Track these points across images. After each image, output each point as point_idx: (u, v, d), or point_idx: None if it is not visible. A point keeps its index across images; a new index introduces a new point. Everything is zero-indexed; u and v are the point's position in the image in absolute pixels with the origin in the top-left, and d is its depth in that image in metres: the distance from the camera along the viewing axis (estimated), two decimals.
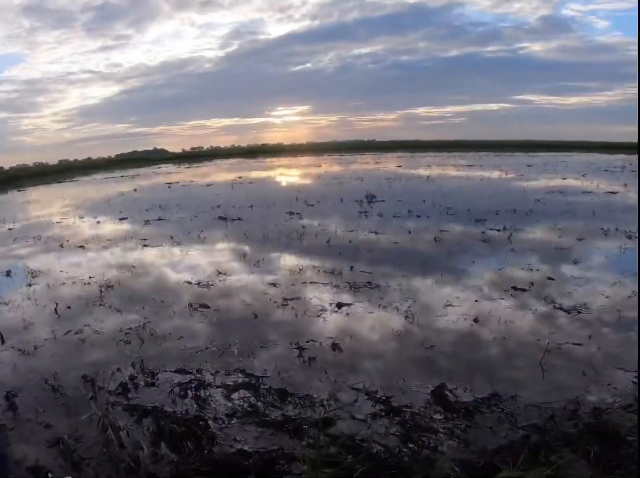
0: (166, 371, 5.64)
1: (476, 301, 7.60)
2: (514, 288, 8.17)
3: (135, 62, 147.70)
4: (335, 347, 6.05)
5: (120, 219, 17.22)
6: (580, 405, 4.68)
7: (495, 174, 28.81)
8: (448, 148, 75.04)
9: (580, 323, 6.68)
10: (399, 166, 37.93)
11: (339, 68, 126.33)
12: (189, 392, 5.18)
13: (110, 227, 15.96)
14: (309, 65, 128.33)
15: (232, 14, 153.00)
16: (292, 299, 7.84)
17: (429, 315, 7.02)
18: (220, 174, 38.27)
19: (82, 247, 12.91)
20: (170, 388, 5.26)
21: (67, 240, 13.76)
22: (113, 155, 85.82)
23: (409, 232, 12.75)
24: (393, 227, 13.50)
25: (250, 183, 28.16)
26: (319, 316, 7.12)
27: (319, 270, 9.42)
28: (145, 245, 12.58)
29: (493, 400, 4.85)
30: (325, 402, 4.84)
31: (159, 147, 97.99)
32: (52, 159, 75.60)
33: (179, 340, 6.50)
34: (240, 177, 32.01)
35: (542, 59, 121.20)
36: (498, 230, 12.70)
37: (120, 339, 6.64)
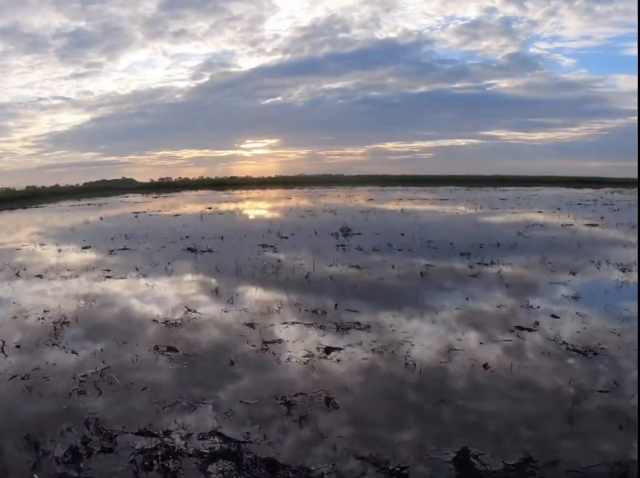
0: (127, 433, 4.62)
1: (481, 343, 6.79)
2: (519, 327, 7.40)
3: (107, 90, 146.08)
4: (329, 402, 5.12)
5: (84, 248, 16.07)
6: (629, 468, 3.91)
7: (470, 208, 28.40)
8: (417, 182, 75.36)
9: (599, 366, 5.97)
10: (371, 199, 37.43)
11: (309, 102, 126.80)
12: (154, 461, 4.18)
13: (72, 256, 14.79)
14: (279, 98, 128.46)
15: (205, 45, 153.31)
16: (272, 342, 6.89)
17: (432, 362, 6.16)
18: (188, 204, 37.19)
19: (39, 276, 11.78)
20: (131, 457, 4.24)
21: (24, 269, 12.60)
22: (81, 183, 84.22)
23: (393, 267, 11.94)
24: (375, 262, 12.69)
25: (220, 214, 27.23)
26: (305, 363, 6.18)
27: (300, 309, 8.49)
28: (108, 277, 11.49)
29: (528, 467, 4.00)
30: (326, 476, 3.89)
31: (127, 177, 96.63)
32: (20, 184, 73.59)
33: (143, 391, 5.49)
34: (209, 208, 31.04)
35: (509, 96, 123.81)
36: (486, 264, 12.03)
37: (73, 388, 5.59)
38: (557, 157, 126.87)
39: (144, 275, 11.46)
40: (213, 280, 10.94)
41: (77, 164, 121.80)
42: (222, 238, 17.39)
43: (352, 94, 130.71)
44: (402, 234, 17.34)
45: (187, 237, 17.85)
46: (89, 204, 40.11)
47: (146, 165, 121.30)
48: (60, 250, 15.80)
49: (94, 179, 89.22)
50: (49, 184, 78.75)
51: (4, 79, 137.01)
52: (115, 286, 10.61)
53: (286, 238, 17.08)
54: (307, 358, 6.28)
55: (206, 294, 9.74)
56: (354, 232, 17.92)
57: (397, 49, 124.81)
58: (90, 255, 14.70)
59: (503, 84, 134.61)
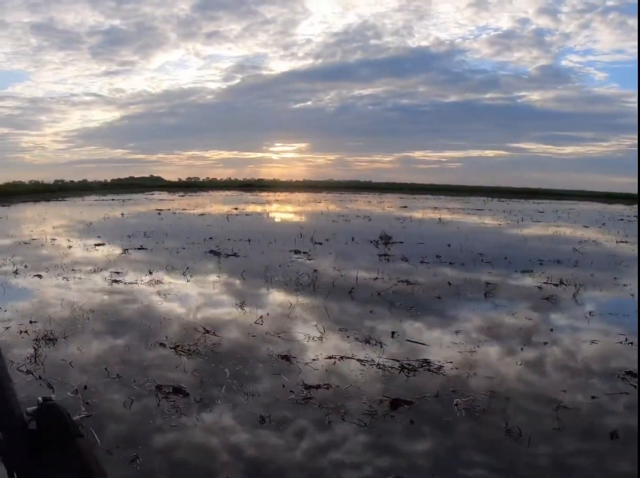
0: None
1: (593, 398, 4.85)
2: (629, 373, 5.45)
3: (138, 88, 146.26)
4: None
5: (96, 245, 14.36)
6: None
7: (510, 220, 26.26)
8: (446, 192, 73.28)
9: None
10: (404, 207, 35.43)
11: (339, 108, 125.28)
12: None
13: (81, 253, 13.11)
14: (309, 103, 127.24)
15: (237, 47, 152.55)
16: (316, 388, 4.98)
17: (544, 429, 4.20)
18: (215, 204, 35.54)
19: (39, 276, 10.08)
20: None
21: (25, 266, 10.98)
22: (109, 180, 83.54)
23: (449, 284, 9.97)
24: (426, 276, 10.75)
25: (247, 215, 25.48)
26: (365, 425, 4.27)
27: (348, 336, 6.59)
28: (115, 281, 9.70)
29: None
30: None
31: (155, 175, 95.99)
32: (48, 178, 73.12)
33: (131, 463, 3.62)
34: (236, 209, 29.34)
35: (540, 108, 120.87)
36: (556, 285, 10.15)
37: None
38: (586, 171, 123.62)
39: (157, 282, 9.63)
40: (238, 292, 9.10)
41: (106, 160, 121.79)
42: (249, 241, 15.58)
43: (382, 100, 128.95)
44: (449, 245, 15.38)
45: (210, 238, 16.05)
46: (112, 199, 38.75)
47: (175, 164, 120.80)
48: (70, 246, 14.16)
49: (122, 175, 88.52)
50: (77, 178, 78.40)
51: (38, 74, 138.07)
52: (120, 294, 8.79)
53: (320, 244, 15.20)
54: (368, 418, 4.36)
55: (229, 310, 7.88)
56: (395, 240, 15.97)
57: (429, 57, 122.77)
58: (100, 254, 12.97)
59: (534, 96, 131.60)
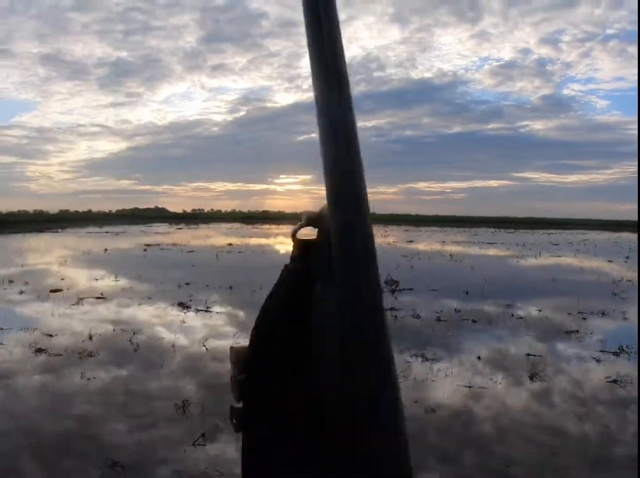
0: None
1: None
2: None
3: (144, 120, 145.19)
4: None
5: (52, 291, 11.78)
6: None
7: (526, 255, 23.39)
8: (451, 223, 70.69)
9: None
10: (410, 241, 32.59)
11: None
12: None
13: (28, 308, 10.36)
14: (313, 135, 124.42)
15: (242, 80, 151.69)
16: None
17: None
18: (212, 238, 32.81)
19: None
20: None
21: None
22: (114, 210, 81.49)
23: (479, 358, 7.15)
24: (446, 346, 7.89)
25: (240, 252, 22.69)
26: None
27: None
28: (39, 350, 6.91)
29: None
30: None
31: (160, 206, 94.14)
32: (54, 207, 71.35)
33: None
34: (230, 244, 26.64)
35: (543, 137, 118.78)
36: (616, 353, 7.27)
37: None
38: (589, 199, 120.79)
39: (82, 354, 6.82)
40: (198, 371, 6.29)
41: (112, 190, 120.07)
42: (230, 288, 12.83)
43: (386, 132, 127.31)
44: (467, 293, 12.57)
45: (187, 283, 13.33)
46: (106, 232, 36.14)
47: (180, 196, 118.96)
48: (22, 292, 11.48)
49: (127, 206, 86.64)
50: (82, 208, 76.54)
51: (46, 104, 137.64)
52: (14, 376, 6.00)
53: None
54: None
55: (172, 418, 5.07)
56: (403, 286, 13.15)
57: (432, 89, 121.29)
58: (48, 306, 10.23)
59: (537, 126, 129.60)
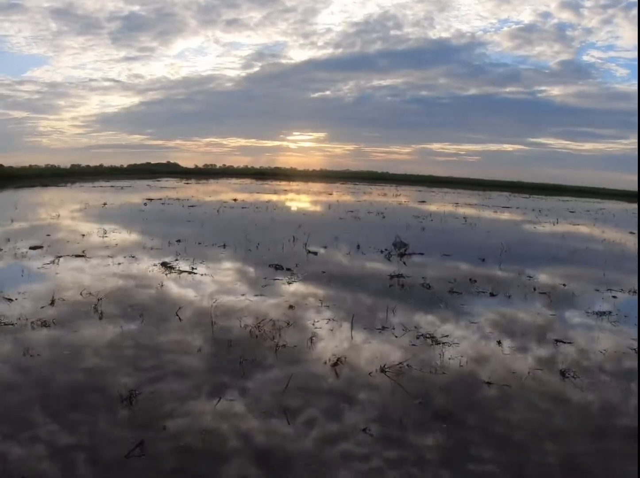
0: None
1: None
2: None
3: (157, 74, 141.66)
4: None
5: (32, 248, 10.59)
6: None
7: (543, 221, 21.92)
8: (464, 185, 68.85)
9: None
10: (422, 201, 31.12)
11: (357, 98, 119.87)
12: None
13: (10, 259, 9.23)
14: (328, 92, 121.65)
15: (257, 35, 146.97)
16: None
17: None
18: (218, 193, 31.52)
19: None
20: None
21: None
22: (125, 165, 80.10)
23: (499, 343, 5.89)
24: (465, 327, 6.64)
25: (243, 208, 21.40)
26: None
27: None
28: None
29: None
30: None
31: (172, 161, 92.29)
32: (66, 162, 69.98)
33: None
34: (235, 200, 25.32)
35: (560, 103, 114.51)
36: None
37: None
38: (605, 168, 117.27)
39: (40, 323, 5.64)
40: (140, 361, 5.10)
41: (124, 145, 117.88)
42: (224, 246, 11.62)
43: (401, 92, 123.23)
44: (483, 260, 11.28)
45: (178, 241, 12.12)
46: (112, 186, 34.92)
47: (192, 151, 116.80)
48: None
49: (139, 161, 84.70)
50: (94, 163, 75.15)
51: (57, 58, 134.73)
52: None
53: (315, 254, 11.19)
54: None
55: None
56: (413, 250, 11.87)
57: (449, 50, 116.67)
58: (28, 262, 9.07)
59: (554, 91, 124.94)
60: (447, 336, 6.06)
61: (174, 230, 13.99)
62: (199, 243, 11.93)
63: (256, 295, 7.59)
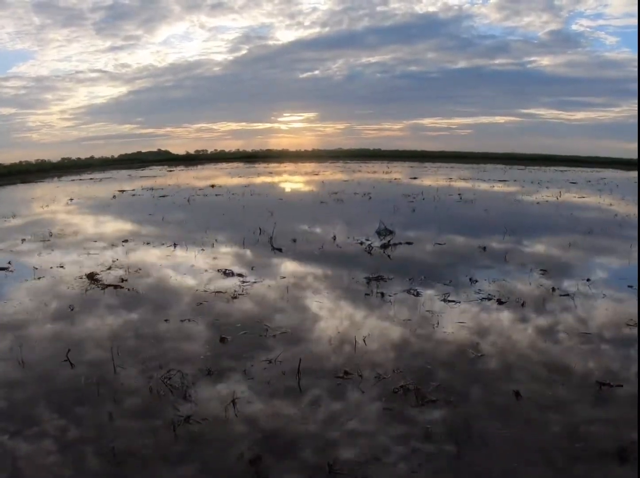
0: None
1: None
2: None
3: (144, 62, 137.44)
4: None
5: None
6: None
7: (545, 194, 19.74)
8: (458, 159, 66.42)
9: None
10: (414, 178, 28.83)
11: (347, 76, 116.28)
12: None
13: None
14: (317, 72, 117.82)
15: (242, 18, 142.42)
16: None
17: None
18: (199, 180, 29.20)
19: None
20: None
21: None
22: (116, 155, 77.47)
23: (517, 395, 3.80)
24: (463, 358, 4.56)
25: (217, 195, 19.16)
26: None
27: None
28: None
29: None
30: None
31: (163, 149, 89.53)
32: (57, 156, 67.38)
33: None
34: (212, 186, 23.06)
35: (550, 73, 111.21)
36: None
37: None
38: (597, 137, 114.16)
39: None
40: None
41: (114, 136, 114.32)
42: (174, 245, 9.50)
43: (390, 68, 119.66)
44: (484, 249, 9.15)
45: (124, 241, 10.03)
46: (90, 179, 32.60)
47: (183, 138, 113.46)
48: None
49: (130, 151, 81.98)
50: (85, 155, 72.55)
51: (42, 52, 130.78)
52: None
53: (280, 251, 9.06)
54: None
55: None
56: (399, 239, 9.75)
57: (436, 23, 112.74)
58: None
59: (544, 62, 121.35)
60: (454, 390, 3.98)
61: (128, 227, 11.91)
62: (147, 243, 9.86)
63: (183, 321, 5.50)
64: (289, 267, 7.88)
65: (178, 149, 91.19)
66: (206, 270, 7.72)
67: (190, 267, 7.98)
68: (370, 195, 18.44)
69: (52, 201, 18.46)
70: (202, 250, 9.17)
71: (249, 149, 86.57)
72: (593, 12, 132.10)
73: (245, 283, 6.95)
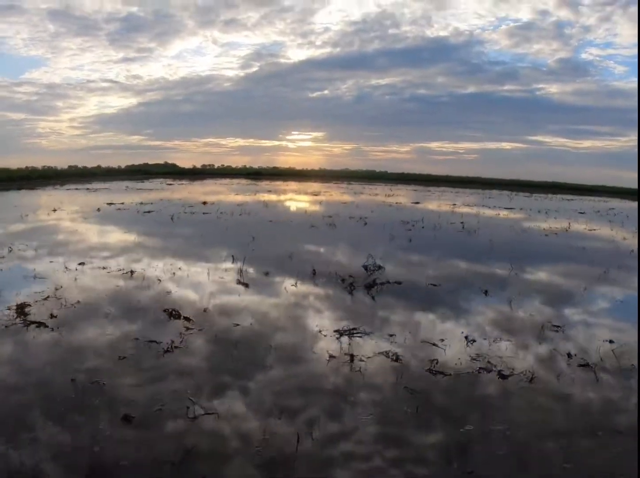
0: None
1: None
2: None
3: (156, 75, 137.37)
4: None
5: None
6: None
7: (554, 225, 18.31)
8: (463, 184, 65.15)
9: None
10: (416, 202, 27.45)
11: (356, 97, 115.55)
12: None
13: None
14: (326, 92, 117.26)
15: (255, 35, 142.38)
16: None
17: None
18: (195, 195, 27.93)
19: None
20: None
21: None
22: (123, 166, 76.66)
23: None
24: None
25: (204, 213, 17.81)
26: None
27: None
28: None
29: None
30: None
31: (170, 162, 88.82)
32: (64, 163, 66.79)
33: None
34: (204, 203, 21.75)
35: (558, 101, 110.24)
36: None
37: None
38: (604, 166, 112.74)
39: None
40: None
41: (122, 146, 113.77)
42: (131, 273, 8.13)
43: (400, 90, 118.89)
44: (486, 292, 7.73)
45: (81, 264, 8.69)
46: (87, 189, 31.41)
47: (191, 151, 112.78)
48: None
49: (137, 162, 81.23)
50: (93, 164, 71.86)
51: (55, 59, 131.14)
52: None
53: (246, 286, 7.66)
54: None
55: None
56: (387, 277, 8.34)
57: (447, 48, 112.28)
58: None
59: (552, 89, 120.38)
60: None
61: (94, 246, 10.61)
62: (103, 268, 8.49)
63: (92, 383, 4.09)
64: (248, 310, 6.47)
65: (185, 163, 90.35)
66: (150, 309, 6.33)
67: (135, 303, 6.60)
68: (366, 220, 17.04)
69: (34, 211, 17.21)
70: (159, 280, 7.79)
71: (255, 166, 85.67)
72: (603, 41, 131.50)
73: (188, 331, 5.55)
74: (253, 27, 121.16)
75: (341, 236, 13.29)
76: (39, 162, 69.94)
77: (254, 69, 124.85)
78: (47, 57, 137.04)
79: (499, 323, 6.29)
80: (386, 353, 5.08)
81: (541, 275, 9.44)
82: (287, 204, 25.39)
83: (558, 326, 6.25)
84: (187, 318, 5.98)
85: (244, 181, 51.51)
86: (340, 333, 5.61)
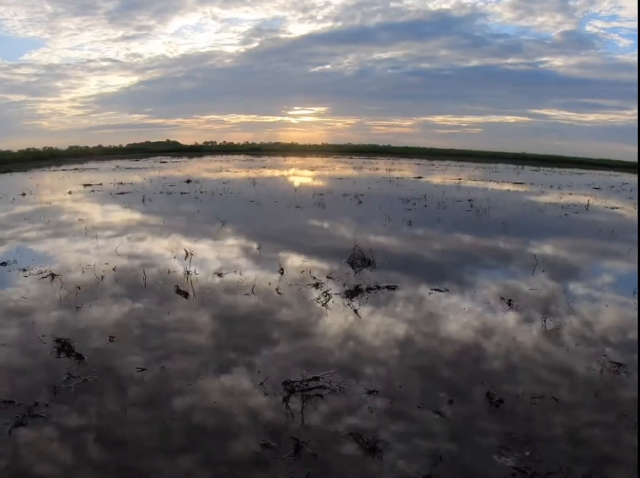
0: None
1: None
2: None
3: (156, 53, 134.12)
4: None
5: None
6: None
7: (569, 201, 16.20)
8: (467, 157, 62.71)
9: None
10: (419, 177, 25.24)
11: (358, 71, 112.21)
12: None
13: None
14: (328, 66, 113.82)
15: (255, 11, 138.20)
16: None
17: None
18: (182, 174, 25.85)
19: None
20: None
21: None
22: (125, 144, 74.60)
23: None
24: None
25: (182, 193, 15.72)
26: None
27: None
28: None
29: None
30: None
31: (172, 139, 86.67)
32: (65, 144, 64.74)
33: None
34: (188, 182, 19.71)
35: (562, 74, 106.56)
36: None
37: None
38: (608, 139, 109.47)
39: None
40: None
41: (124, 125, 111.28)
42: (52, 277, 6.17)
43: (402, 64, 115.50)
44: (509, 302, 5.70)
45: (2, 264, 6.73)
46: (75, 169, 29.53)
47: (193, 129, 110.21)
48: None
49: (139, 140, 79.26)
50: (94, 144, 69.77)
51: (54, 40, 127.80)
52: None
53: (185, 296, 5.68)
54: None
55: None
56: (378, 277, 6.33)
57: (449, 21, 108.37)
58: None
59: (556, 62, 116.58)
60: None
61: (32, 239, 8.66)
62: (24, 270, 6.54)
63: None
64: (176, 332, 4.50)
65: (187, 140, 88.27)
66: (40, 339, 4.38)
67: (24, 334, 4.65)
68: (361, 198, 14.92)
69: (2, 195, 15.30)
70: (78, 288, 5.83)
71: (257, 141, 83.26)
72: (607, 13, 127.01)
73: (71, 379, 3.59)
74: (253, 2, 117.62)
75: (328, 219, 11.24)
76: (40, 143, 67.98)
77: (255, 44, 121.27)
78: (46, 37, 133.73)
79: (530, 355, 4.29)
80: (355, 438, 3.09)
81: (571, 268, 7.40)
82: (279, 181, 23.21)
83: (603, 354, 4.25)
84: (79, 356, 4.01)
85: (242, 157, 49.26)
86: (291, 388, 3.61)
